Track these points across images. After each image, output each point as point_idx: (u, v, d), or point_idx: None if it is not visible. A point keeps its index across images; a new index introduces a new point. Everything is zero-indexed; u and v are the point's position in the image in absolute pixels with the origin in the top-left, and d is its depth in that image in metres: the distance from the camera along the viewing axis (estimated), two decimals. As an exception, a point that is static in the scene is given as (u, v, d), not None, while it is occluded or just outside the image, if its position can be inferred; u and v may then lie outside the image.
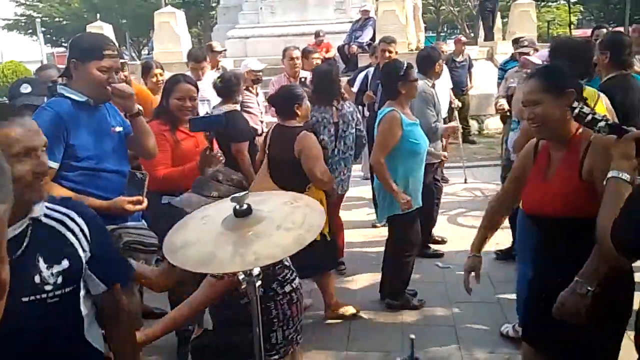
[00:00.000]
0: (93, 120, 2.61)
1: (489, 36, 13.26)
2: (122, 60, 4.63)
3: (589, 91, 3.09)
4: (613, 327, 2.08)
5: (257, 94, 5.57)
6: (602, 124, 1.89)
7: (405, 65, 3.81)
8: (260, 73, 5.86)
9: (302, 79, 5.46)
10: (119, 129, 2.75)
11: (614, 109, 3.09)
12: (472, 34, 21.01)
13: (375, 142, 3.80)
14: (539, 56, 4.34)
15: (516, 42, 8.97)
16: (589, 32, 11.07)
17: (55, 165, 2.42)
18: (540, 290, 2.24)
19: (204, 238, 1.67)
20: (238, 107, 4.60)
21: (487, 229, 2.53)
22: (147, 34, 24.14)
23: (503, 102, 5.38)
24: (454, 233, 5.37)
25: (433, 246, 4.97)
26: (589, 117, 1.93)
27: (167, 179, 3.18)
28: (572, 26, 29.29)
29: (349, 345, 3.51)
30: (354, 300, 4.10)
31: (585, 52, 3.16)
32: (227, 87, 4.44)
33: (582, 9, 33.12)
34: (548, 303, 2.07)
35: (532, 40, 6.53)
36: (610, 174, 1.79)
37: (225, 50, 7.14)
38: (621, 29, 15.79)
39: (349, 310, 3.85)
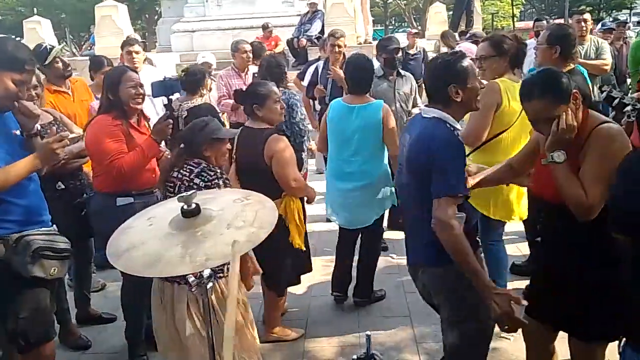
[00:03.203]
0: None
1: (470, 23, 13.30)
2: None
3: (516, 86, 3.09)
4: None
5: (210, 89, 5.46)
6: (629, 107, 1.97)
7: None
8: (214, 65, 5.85)
9: (256, 75, 5.39)
10: (18, 132, 2.56)
11: None
12: (420, 27, 21.30)
13: (391, 135, 3.64)
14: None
15: (462, 34, 9.15)
16: (531, 24, 11.40)
17: None
18: (546, 267, 2.35)
19: (150, 240, 1.61)
20: (205, 100, 4.59)
21: (497, 172, 2.62)
22: (88, 28, 23.30)
23: None
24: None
25: None
26: (617, 100, 2.01)
27: (130, 165, 3.03)
28: (515, 18, 30.17)
29: (306, 341, 3.48)
30: (308, 294, 4.08)
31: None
32: (193, 81, 4.42)
33: (524, 1, 34.17)
34: (552, 279, 2.23)
35: (477, 33, 6.65)
36: None
37: (143, 41, 6.98)
38: (561, 20, 16.39)
39: (291, 335, 3.52)
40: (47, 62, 4.14)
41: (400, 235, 5.14)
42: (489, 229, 3.39)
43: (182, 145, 2.67)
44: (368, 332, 1.44)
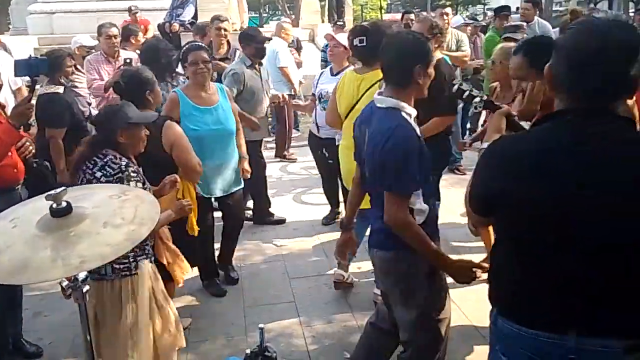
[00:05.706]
0: None
1: (342, 14, 13.60)
2: None
3: (374, 73, 3.35)
4: None
5: (71, 74, 5.09)
6: (477, 99, 2.16)
7: None
8: (93, 50, 5.46)
9: (127, 60, 5.11)
10: None
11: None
12: (293, 15, 21.45)
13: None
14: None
15: (335, 24, 9.37)
16: (398, 16, 11.97)
17: None
18: None
19: (15, 243, 1.47)
20: (61, 89, 4.25)
21: None
22: None
23: None
24: (293, 210, 5.47)
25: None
26: (467, 93, 2.18)
27: None
28: (382, 10, 31.54)
29: (191, 334, 3.39)
30: (191, 287, 3.99)
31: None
32: (51, 65, 4.04)
33: (391, -6, 35.92)
34: None
35: (345, 23, 6.93)
36: (482, 145, 1.99)
37: None
38: (424, 13, 17.46)
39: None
40: None
41: (285, 221, 5.19)
42: None
43: (94, 134, 2.53)
44: (261, 325, 1.44)
